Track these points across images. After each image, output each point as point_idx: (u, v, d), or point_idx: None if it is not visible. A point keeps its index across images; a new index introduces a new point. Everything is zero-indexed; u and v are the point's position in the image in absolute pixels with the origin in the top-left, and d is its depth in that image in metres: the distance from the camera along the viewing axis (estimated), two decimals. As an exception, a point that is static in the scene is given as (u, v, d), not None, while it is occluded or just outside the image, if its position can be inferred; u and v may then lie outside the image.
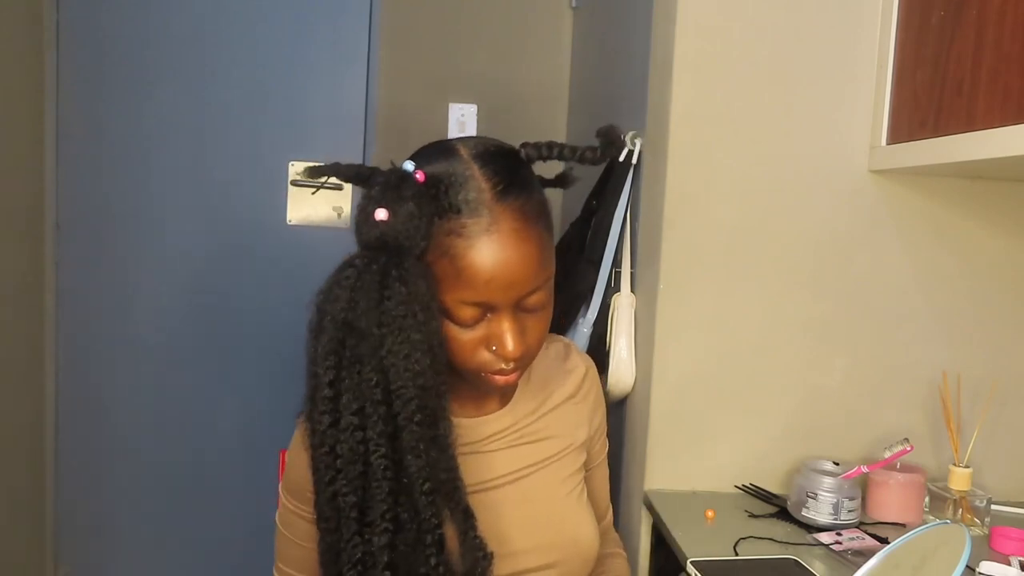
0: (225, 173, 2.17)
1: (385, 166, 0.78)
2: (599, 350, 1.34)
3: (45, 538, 2.18)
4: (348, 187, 2.16)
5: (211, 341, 2.19)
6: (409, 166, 0.76)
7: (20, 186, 2.00)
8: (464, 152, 0.78)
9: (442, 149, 0.80)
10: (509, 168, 0.79)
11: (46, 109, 2.09)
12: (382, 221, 0.72)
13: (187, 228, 2.17)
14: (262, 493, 2.19)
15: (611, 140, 0.86)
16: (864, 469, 1.18)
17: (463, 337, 0.78)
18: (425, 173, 0.76)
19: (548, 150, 0.83)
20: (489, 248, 0.74)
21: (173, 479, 2.21)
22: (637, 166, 1.34)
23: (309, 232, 2.18)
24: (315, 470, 0.76)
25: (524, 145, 0.83)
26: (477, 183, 0.76)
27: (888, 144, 1.21)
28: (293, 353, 2.21)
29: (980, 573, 0.98)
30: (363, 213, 0.74)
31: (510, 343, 0.77)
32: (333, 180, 0.82)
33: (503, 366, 0.79)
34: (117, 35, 2.12)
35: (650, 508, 1.22)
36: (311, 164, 0.84)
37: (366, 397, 0.73)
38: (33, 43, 2.04)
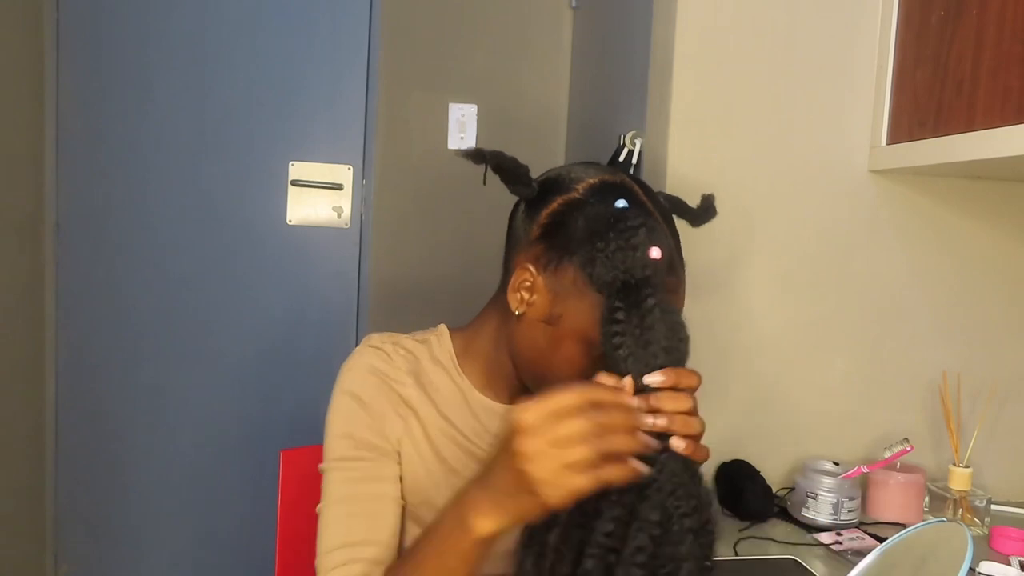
0: (225, 173, 2.17)
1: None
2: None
3: (45, 538, 2.18)
4: (348, 187, 2.16)
5: (211, 341, 2.19)
6: (622, 203, 0.78)
7: (20, 186, 2.00)
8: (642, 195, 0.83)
9: (625, 187, 0.82)
10: None
11: (46, 109, 2.09)
12: (656, 260, 0.73)
13: (187, 228, 2.17)
14: (262, 493, 2.19)
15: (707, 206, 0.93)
16: (864, 469, 1.18)
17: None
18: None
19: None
20: None
21: (173, 479, 2.20)
22: (637, 166, 1.34)
23: (309, 232, 2.18)
24: None
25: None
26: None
27: (888, 144, 1.22)
28: (292, 353, 2.22)
29: (980, 573, 0.98)
30: (621, 252, 0.73)
31: None
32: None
33: None
34: (117, 35, 2.12)
35: (650, 508, 1.22)
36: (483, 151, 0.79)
37: None
38: (33, 43, 2.04)
